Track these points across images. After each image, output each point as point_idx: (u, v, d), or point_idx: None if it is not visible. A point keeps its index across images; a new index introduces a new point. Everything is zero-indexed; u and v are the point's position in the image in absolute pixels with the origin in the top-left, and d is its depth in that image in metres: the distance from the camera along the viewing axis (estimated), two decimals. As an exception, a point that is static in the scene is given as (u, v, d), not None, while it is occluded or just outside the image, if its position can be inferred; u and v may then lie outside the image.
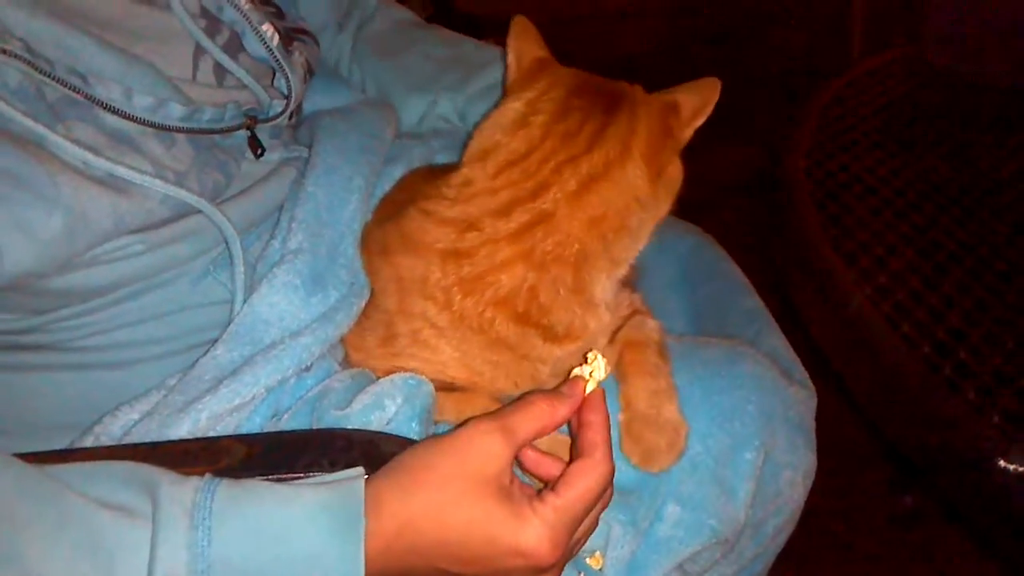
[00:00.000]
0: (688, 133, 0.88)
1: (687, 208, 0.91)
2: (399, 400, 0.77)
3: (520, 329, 0.81)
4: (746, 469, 0.85)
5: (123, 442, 0.74)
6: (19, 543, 0.55)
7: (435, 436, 0.67)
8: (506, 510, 0.63)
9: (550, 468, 0.70)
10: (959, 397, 0.89)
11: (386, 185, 0.94)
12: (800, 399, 0.92)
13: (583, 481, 0.66)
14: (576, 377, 0.73)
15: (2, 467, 0.58)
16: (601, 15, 3.37)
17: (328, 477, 0.63)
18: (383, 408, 0.76)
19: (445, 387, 0.83)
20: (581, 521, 0.67)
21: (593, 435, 0.69)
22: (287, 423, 0.78)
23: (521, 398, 0.69)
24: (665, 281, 1.14)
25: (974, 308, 0.99)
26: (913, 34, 1.53)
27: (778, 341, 1.03)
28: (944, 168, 1.20)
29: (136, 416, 0.76)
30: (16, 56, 0.66)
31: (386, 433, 0.75)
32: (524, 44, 0.90)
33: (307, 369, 0.80)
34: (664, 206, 0.87)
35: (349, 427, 0.75)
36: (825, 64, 2.59)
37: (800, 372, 0.99)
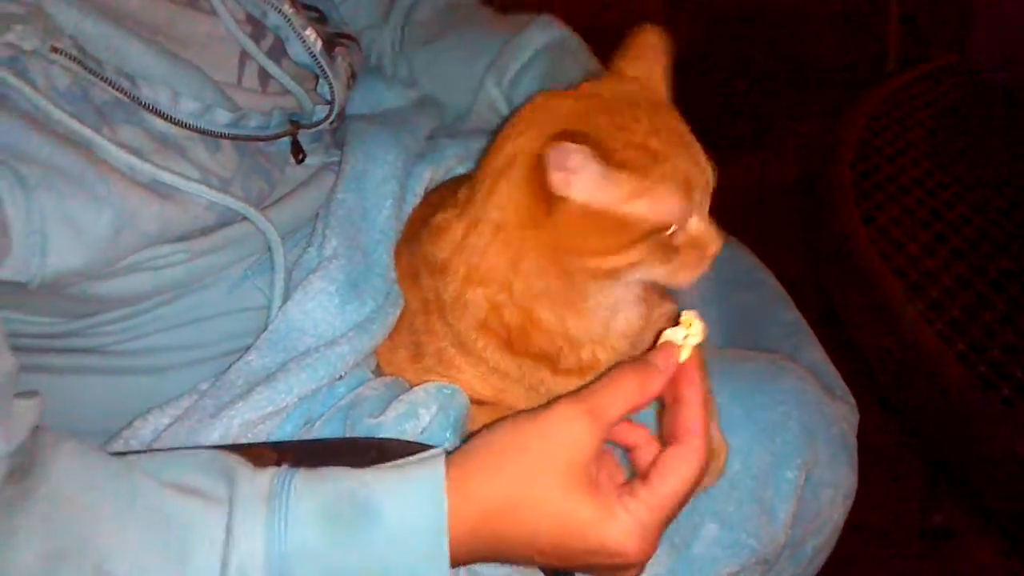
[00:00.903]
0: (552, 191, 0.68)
1: (720, 216, 0.88)
2: (433, 409, 0.76)
3: (516, 361, 0.77)
4: (787, 488, 0.82)
5: (153, 447, 0.73)
6: (88, 525, 0.54)
7: (519, 415, 0.63)
8: (595, 504, 0.60)
9: (637, 436, 0.66)
10: (1017, 418, 0.86)
11: (416, 187, 0.90)
12: (842, 415, 0.90)
13: (678, 473, 0.62)
14: (668, 343, 0.66)
15: (72, 450, 0.57)
16: (631, 20, 3.34)
17: (406, 460, 0.61)
18: (417, 417, 0.75)
19: (475, 401, 0.81)
20: (675, 515, 0.64)
21: (689, 416, 0.64)
22: (319, 430, 0.77)
23: (608, 373, 0.64)
24: (696, 291, 1.11)
25: (1031, 325, 0.96)
26: (956, 43, 1.50)
27: (818, 355, 1.01)
28: (994, 180, 1.16)
29: (167, 420, 0.75)
30: (67, 55, 0.66)
31: (420, 443, 0.73)
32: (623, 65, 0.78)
33: (340, 377, 0.79)
34: (585, 246, 0.70)
35: (382, 436, 0.74)
36: (852, 74, 2.56)
37: (841, 387, 0.97)
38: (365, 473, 0.60)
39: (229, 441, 0.73)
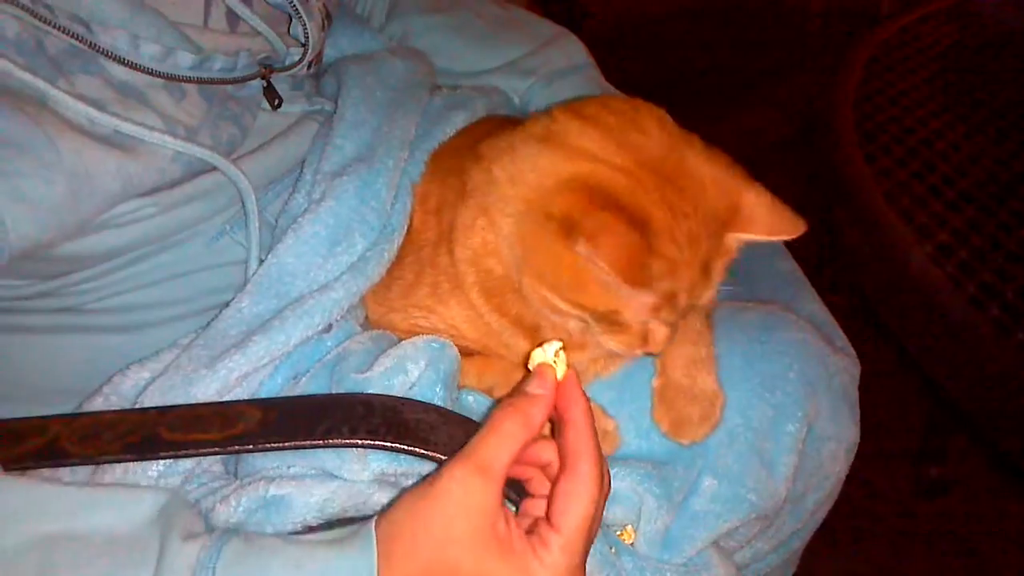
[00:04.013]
0: None
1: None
2: (422, 364, 0.74)
3: (494, 316, 0.77)
4: (787, 442, 0.80)
5: (139, 400, 0.71)
6: None
7: (410, 492, 0.60)
8: (511, 566, 0.58)
9: (539, 455, 0.64)
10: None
11: (448, 129, 0.89)
12: (843, 367, 0.87)
13: (577, 505, 0.59)
14: (541, 365, 0.64)
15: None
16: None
17: (338, 534, 0.60)
18: (406, 372, 0.73)
19: (463, 351, 0.79)
20: (590, 542, 0.61)
21: (575, 438, 0.61)
22: (305, 387, 0.75)
23: (489, 417, 0.61)
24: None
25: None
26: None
27: (816, 305, 0.99)
28: (1000, 121, 1.13)
29: (147, 375, 0.73)
30: (14, 2, 0.62)
31: (408, 399, 0.71)
32: None
33: (327, 330, 0.77)
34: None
35: (370, 391, 0.71)
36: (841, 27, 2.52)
37: (841, 338, 0.94)
38: (296, 553, 0.58)
39: (226, 393, 0.71)
